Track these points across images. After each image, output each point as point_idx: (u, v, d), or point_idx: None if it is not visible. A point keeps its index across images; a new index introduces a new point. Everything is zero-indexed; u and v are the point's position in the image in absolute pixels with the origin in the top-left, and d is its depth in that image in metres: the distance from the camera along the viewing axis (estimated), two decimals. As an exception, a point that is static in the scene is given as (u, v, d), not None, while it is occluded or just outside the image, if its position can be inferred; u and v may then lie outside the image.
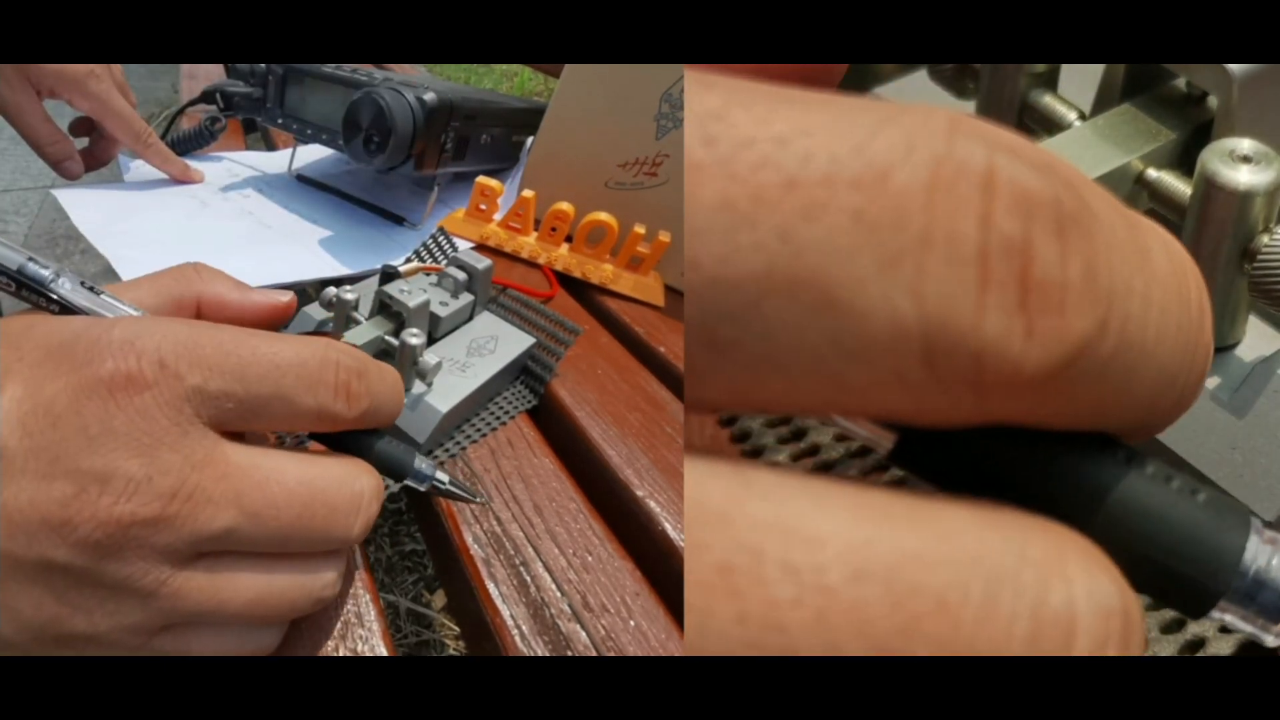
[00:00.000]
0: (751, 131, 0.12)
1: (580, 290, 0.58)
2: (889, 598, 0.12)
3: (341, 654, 0.28)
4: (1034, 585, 0.13)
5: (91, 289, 0.26)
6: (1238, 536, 0.15)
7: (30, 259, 0.26)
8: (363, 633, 0.29)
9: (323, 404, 0.24)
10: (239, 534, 0.22)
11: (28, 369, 0.22)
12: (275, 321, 0.30)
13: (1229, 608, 0.15)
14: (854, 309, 0.12)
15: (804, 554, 0.12)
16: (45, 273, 0.25)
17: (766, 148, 0.12)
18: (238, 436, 0.24)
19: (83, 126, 0.64)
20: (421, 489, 0.29)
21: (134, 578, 0.21)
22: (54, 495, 0.21)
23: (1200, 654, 0.28)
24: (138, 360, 0.22)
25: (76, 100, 0.59)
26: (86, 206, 0.55)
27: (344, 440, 0.27)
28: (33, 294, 0.26)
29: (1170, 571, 0.15)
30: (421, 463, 0.29)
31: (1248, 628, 0.15)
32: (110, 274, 0.47)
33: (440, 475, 0.29)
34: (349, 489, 0.25)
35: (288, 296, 0.30)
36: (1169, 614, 0.29)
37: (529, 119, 0.67)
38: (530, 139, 0.67)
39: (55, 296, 0.25)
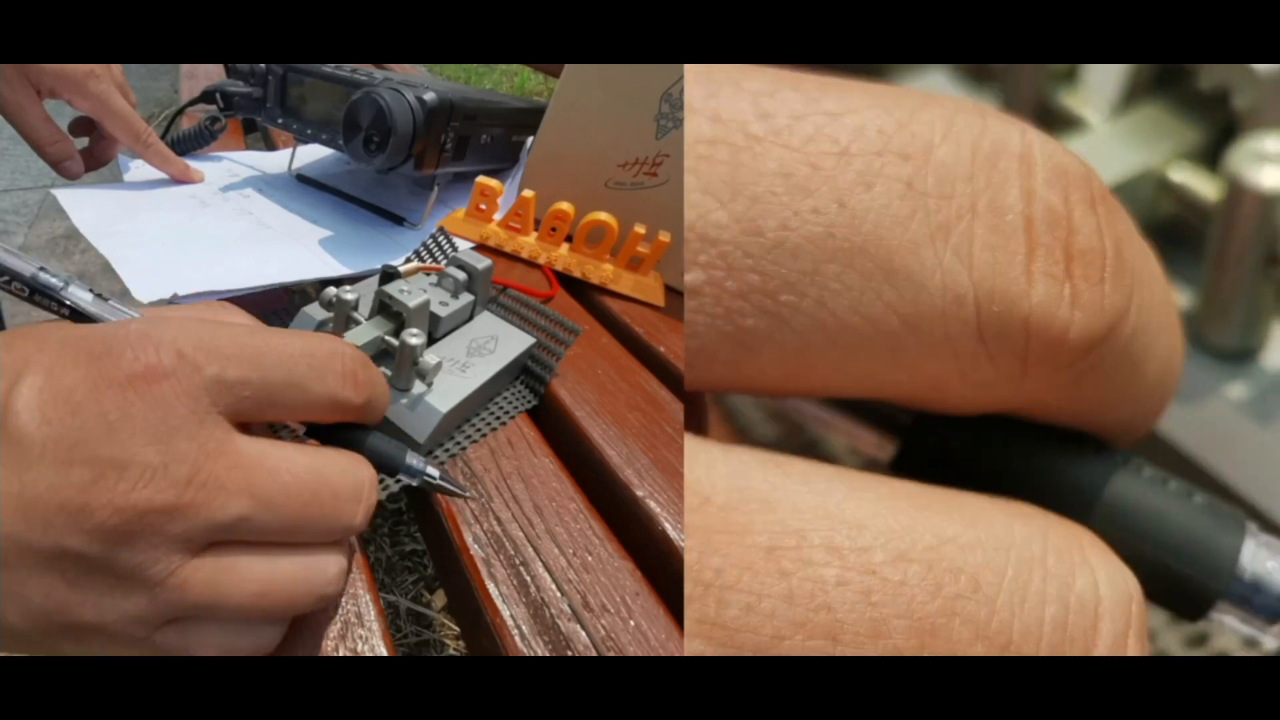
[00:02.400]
0: (802, 107, 0.13)
1: (580, 290, 0.58)
2: (930, 579, 0.12)
3: (341, 654, 0.28)
4: (1060, 571, 0.13)
5: (100, 297, 0.27)
6: (1234, 539, 0.15)
7: (41, 268, 0.27)
8: (363, 633, 0.29)
9: (333, 391, 0.26)
10: (251, 522, 0.23)
11: (48, 360, 0.22)
12: None
13: (1227, 609, 0.15)
14: (910, 275, 0.13)
15: (847, 537, 0.12)
16: (55, 281, 0.27)
17: (819, 120, 0.13)
18: (244, 430, 0.24)
19: (82, 126, 0.64)
20: (414, 484, 0.30)
21: (144, 566, 0.22)
22: (72, 481, 0.21)
23: (1204, 650, 0.28)
24: (156, 351, 0.22)
25: (76, 100, 0.59)
26: (86, 206, 0.55)
27: (338, 436, 0.28)
28: (45, 298, 0.27)
29: (1169, 572, 0.15)
30: (413, 458, 0.30)
31: (1246, 629, 0.15)
32: (110, 274, 0.47)
33: (431, 470, 0.30)
34: (352, 477, 0.26)
35: None
36: (1193, 629, 0.29)
37: (529, 119, 0.67)
38: (530, 139, 0.67)
39: (67, 302, 0.27)
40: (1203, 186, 0.30)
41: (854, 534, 0.12)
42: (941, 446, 0.15)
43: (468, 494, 0.32)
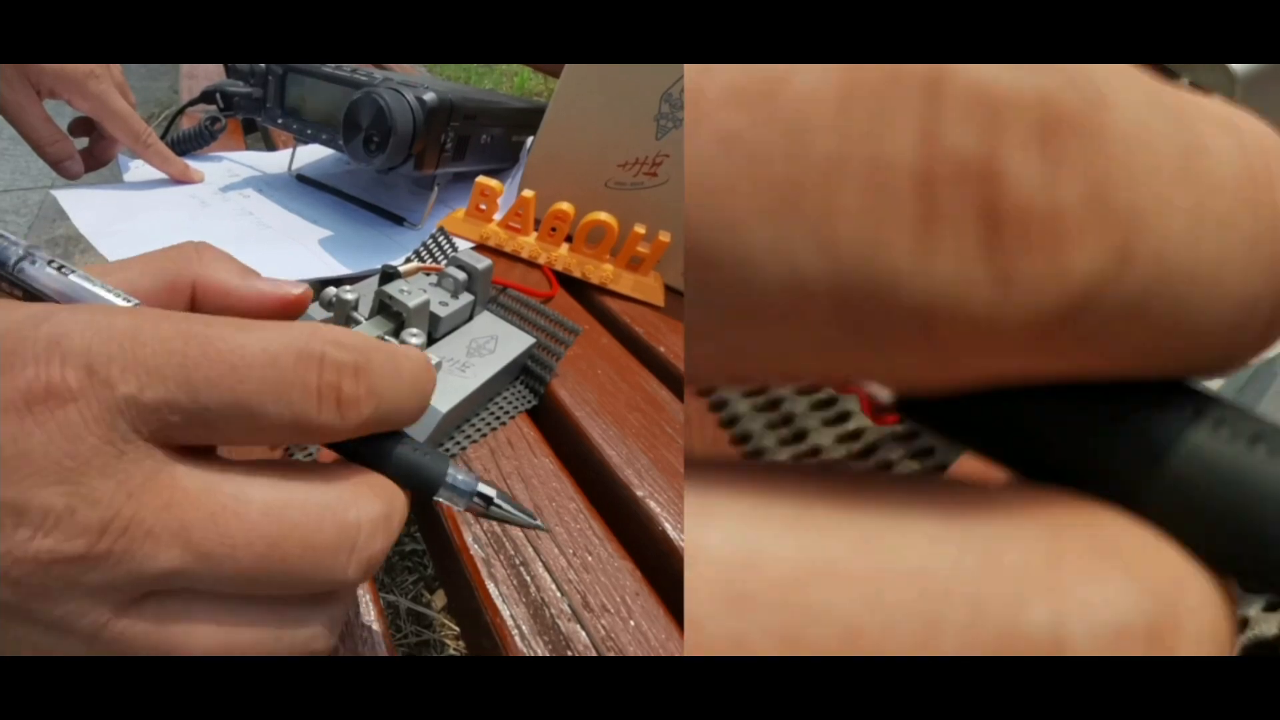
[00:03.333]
0: None
1: (580, 290, 0.58)
2: (785, 623, 0.10)
3: (341, 654, 0.28)
4: (1000, 603, 0.10)
5: (61, 268, 0.22)
6: None
7: None
8: (363, 633, 0.29)
9: (301, 414, 0.19)
10: (189, 575, 0.19)
11: None
12: (284, 317, 0.25)
13: None
14: (734, 262, 0.09)
15: (747, 579, 0.10)
16: (12, 249, 0.22)
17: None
18: (195, 451, 0.20)
19: (82, 127, 0.64)
20: (459, 507, 0.23)
21: (70, 618, 0.18)
22: None
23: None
24: (61, 366, 0.18)
25: (76, 100, 0.59)
26: (86, 207, 0.55)
27: (357, 448, 0.22)
28: None
29: (1263, 549, 0.11)
30: (458, 473, 0.23)
31: None
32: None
33: (485, 488, 0.23)
34: (336, 520, 0.20)
35: (301, 288, 0.25)
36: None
37: (529, 119, 0.66)
38: (530, 139, 0.67)
39: (18, 280, 0.21)
40: None
41: (747, 577, 0.10)
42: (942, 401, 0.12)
43: (539, 525, 0.24)
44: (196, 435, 0.19)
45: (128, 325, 0.19)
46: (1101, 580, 0.10)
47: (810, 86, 0.09)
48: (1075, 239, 0.10)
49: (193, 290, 0.24)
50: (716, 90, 0.09)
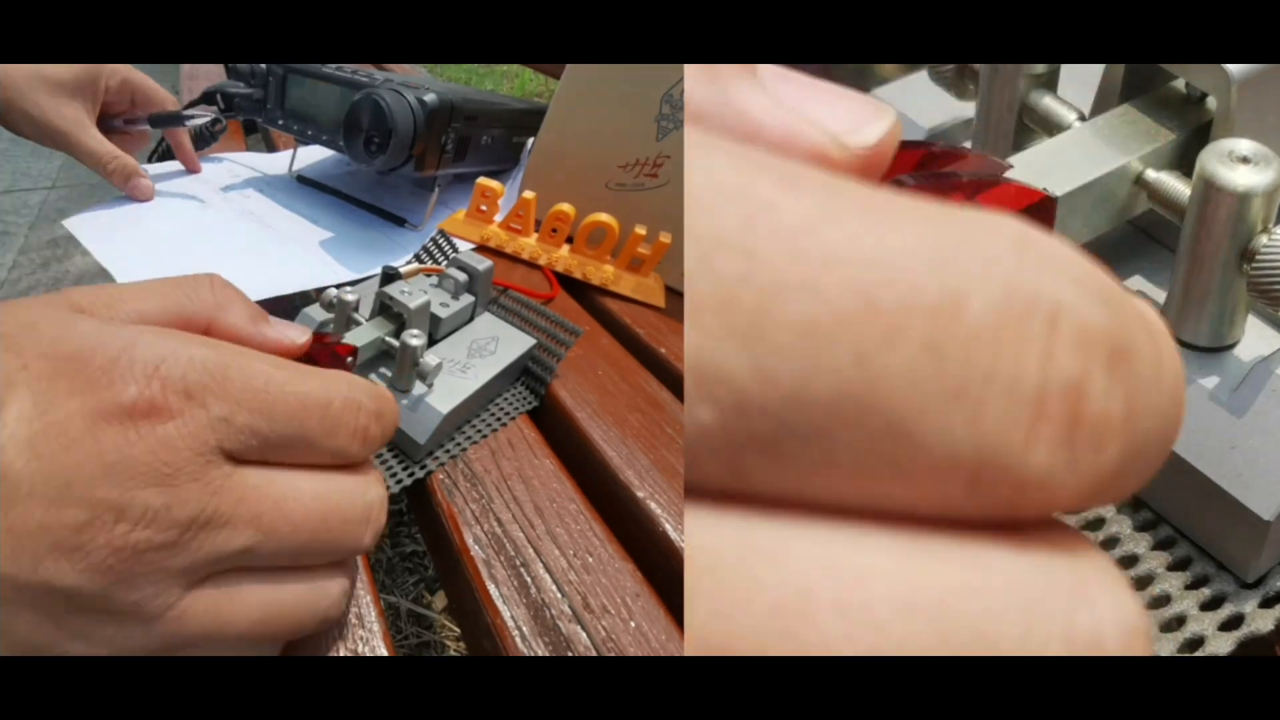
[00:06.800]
0: (840, 248, 0.13)
1: (581, 291, 0.58)
2: (935, 631, 0.12)
3: (342, 654, 0.28)
4: (1063, 611, 0.13)
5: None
6: None
7: None
8: (363, 633, 0.29)
9: (341, 447, 0.25)
10: (255, 552, 0.23)
11: (35, 381, 0.21)
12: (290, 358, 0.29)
13: None
14: (913, 437, 0.13)
15: (852, 591, 0.12)
16: None
17: (853, 270, 0.13)
18: None
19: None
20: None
21: (142, 603, 0.21)
22: (65, 521, 0.20)
23: (1199, 653, 0.28)
24: (162, 388, 0.21)
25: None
26: (104, 237, 0.54)
27: None
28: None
29: None
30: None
31: None
32: (107, 276, 0.47)
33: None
34: (361, 500, 0.25)
35: (305, 337, 0.28)
36: (1168, 612, 0.29)
37: (530, 120, 0.67)
38: (531, 140, 0.67)
39: None
40: (1178, 184, 0.31)
41: (859, 587, 0.12)
42: None
43: None
44: (263, 455, 0.23)
45: (214, 359, 0.23)
46: (1115, 594, 0.13)
47: (981, 312, 0.13)
48: (1112, 441, 0.13)
49: (206, 329, 0.26)
50: (919, 302, 0.12)
